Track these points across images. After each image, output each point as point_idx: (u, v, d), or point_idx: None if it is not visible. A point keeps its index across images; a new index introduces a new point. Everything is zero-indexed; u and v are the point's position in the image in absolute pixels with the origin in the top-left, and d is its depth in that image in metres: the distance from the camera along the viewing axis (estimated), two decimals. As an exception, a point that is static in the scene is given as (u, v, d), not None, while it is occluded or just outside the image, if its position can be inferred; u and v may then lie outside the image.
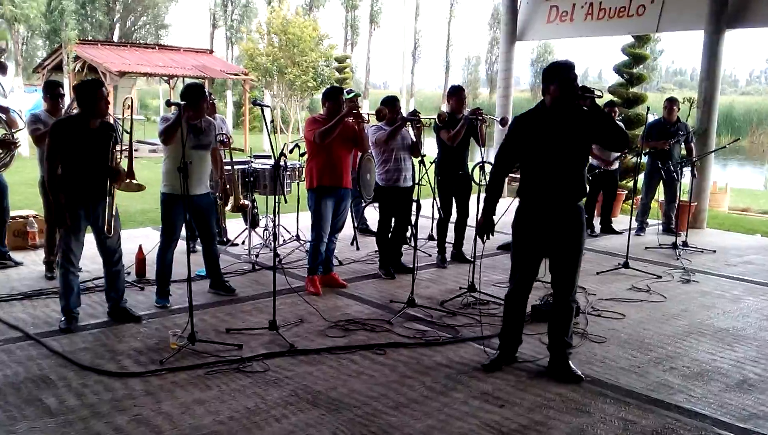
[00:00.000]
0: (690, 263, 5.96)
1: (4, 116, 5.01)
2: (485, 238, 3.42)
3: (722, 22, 7.44)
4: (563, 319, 3.40)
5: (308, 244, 5.62)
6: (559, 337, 3.40)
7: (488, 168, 5.16)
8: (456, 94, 5.56)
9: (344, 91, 6.17)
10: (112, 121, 4.03)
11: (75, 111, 4.36)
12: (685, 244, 6.59)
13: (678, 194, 7.25)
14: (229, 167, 5.37)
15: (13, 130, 5.03)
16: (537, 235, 3.32)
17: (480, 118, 5.29)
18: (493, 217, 3.40)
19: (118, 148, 3.89)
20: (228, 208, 5.17)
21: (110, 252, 3.98)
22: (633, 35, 9.48)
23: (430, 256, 5.96)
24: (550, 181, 3.26)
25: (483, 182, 5.16)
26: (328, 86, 4.98)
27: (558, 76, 3.21)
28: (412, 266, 4.63)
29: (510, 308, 3.49)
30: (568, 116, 3.24)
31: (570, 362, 3.40)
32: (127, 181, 3.92)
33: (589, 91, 3.18)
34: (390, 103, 5.16)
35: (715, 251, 6.57)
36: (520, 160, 3.37)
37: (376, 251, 5.64)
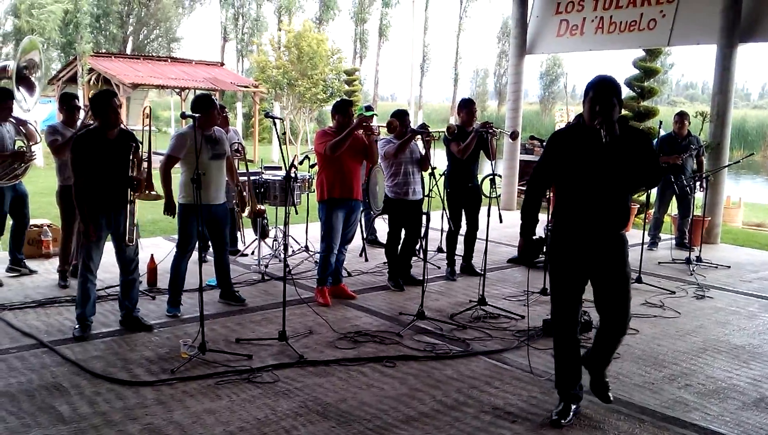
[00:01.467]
0: (704, 279, 5.90)
1: (23, 129, 5.09)
2: (532, 260, 3.27)
3: (735, 37, 7.43)
4: (615, 341, 3.06)
5: (317, 255, 5.64)
6: (607, 355, 3.10)
7: (498, 181, 5.18)
8: (466, 107, 5.59)
9: (364, 107, 6.25)
10: (128, 129, 4.09)
11: (91, 122, 4.43)
12: (698, 259, 6.52)
13: (691, 209, 7.19)
14: (245, 178, 5.43)
15: (30, 143, 5.12)
16: (574, 262, 3.01)
17: (490, 131, 5.30)
18: (533, 238, 3.13)
19: (138, 156, 3.94)
20: (245, 214, 5.23)
21: (128, 261, 4.03)
22: (644, 49, 9.49)
23: (439, 268, 5.94)
24: (585, 206, 2.95)
25: (493, 195, 5.17)
26: (339, 99, 5.05)
27: (586, 96, 2.90)
28: (421, 278, 4.62)
29: (559, 346, 3.09)
30: (626, 137, 2.86)
31: (608, 380, 3.19)
32: (146, 192, 3.96)
33: (608, 126, 2.85)
34: (399, 116, 5.19)
35: (729, 267, 6.49)
36: (555, 181, 3.11)
37: (384, 263, 5.64)
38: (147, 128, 4.11)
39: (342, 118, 4.69)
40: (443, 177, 5.52)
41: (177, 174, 4.31)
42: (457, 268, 5.79)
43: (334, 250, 4.79)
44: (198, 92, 17.78)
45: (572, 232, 3.01)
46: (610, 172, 2.89)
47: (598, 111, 2.84)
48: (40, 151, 11.01)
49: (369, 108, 6.69)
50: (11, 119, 5.01)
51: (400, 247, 5.42)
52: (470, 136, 5.34)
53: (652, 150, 2.99)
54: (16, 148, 5.02)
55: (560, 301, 3.06)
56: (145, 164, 4.07)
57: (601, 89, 2.88)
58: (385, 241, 5.50)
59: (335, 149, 4.54)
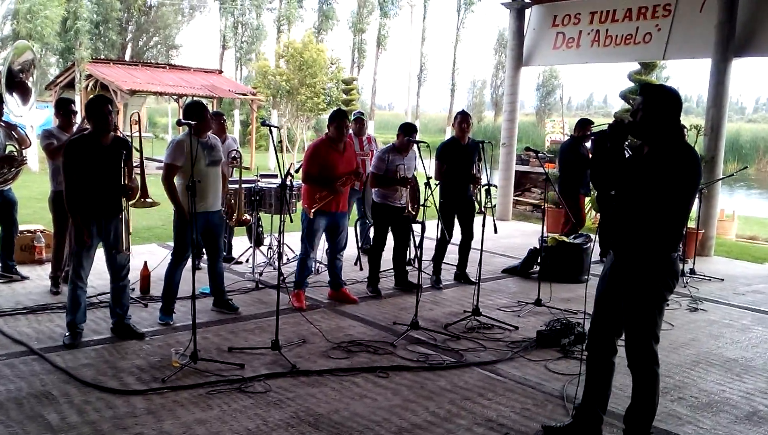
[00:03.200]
0: (698, 291, 5.90)
1: (14, 133, 5.07)
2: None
3: (729, 51, 7.50)
4: (637, 395, 2.78)
5: (315, 263, 5.65)
6: (634, 419, 2.80)
7: (493, 191, 5.23)
8: (458, 118, 5.62)
9: (354, 113, 6.42)
10: (122, 137, 4.08)
11: (87, 127, 4.43)
12: (692, 271, 6.54)
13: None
14: (236, 185, 5.42)
15: (21, 148, 5.09)
16: (604, 281, 2.88)
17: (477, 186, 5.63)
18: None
19: (130, 164, 3.93)
20: (231, 222, 5.27)
21: (119, 268, 4.01)
22: (639, 62, 9.57)
23: (433, 277, 5.93)
24: (614, 223, 2.79)
25: (488, 205, 5.18)
26: (335, 109, 5.19)
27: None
28: (417, 283, 4.63)
29: (587, 367, 2.97)
30: (661, 156, 2.62)
31: None
32: (141, 199, 3.94)
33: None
34: (408, 130, 5.20)
35: (723, 279, 6.51)
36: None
37: (381, 272, 5.62)
38: (137, 135, 4.08)
39: (337, 128, 4.81)
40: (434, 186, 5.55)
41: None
42: (451, 277, 5.80)
43: (312, 254, 4.91)
44: (189, 100, 17.87)
45: (613, 251, 2.86)
46: (633, 189, 2.69)
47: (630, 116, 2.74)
48: (35, 156, 10.99)
49: (361, 114, 6.79)
50: (1, 124, 4.99)
51: (392, 255, 5.45)
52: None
53: (669, 178, 2.59)
54: (6, 152, 5.00)
55: (592, 317, 2.96)
56: (138, 171, 4.05)
57: (639, 94, 2.75)
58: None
59: (307, 182, 4.81)
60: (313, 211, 4.78)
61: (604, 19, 8.84)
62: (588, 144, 6.72)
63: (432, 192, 4.79)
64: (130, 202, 3.93)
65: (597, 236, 7.02)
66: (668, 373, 3.90)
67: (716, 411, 3.40)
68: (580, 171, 6.59)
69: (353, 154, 5.09)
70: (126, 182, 3.86)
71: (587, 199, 8.15)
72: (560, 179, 6.97)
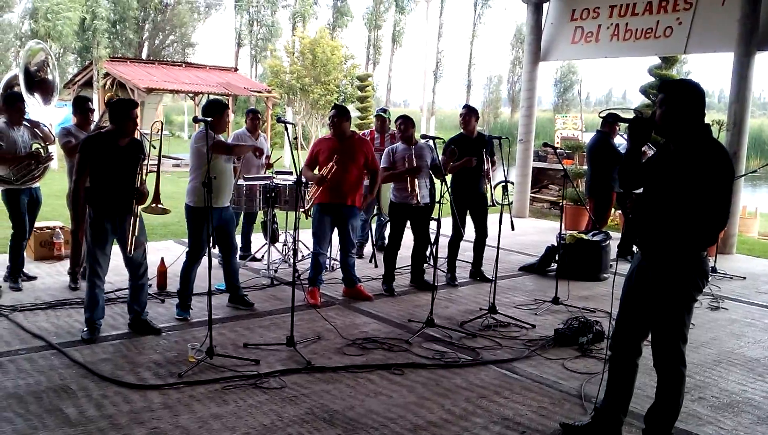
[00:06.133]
0: (719, 290, 5.78)
1: (37, 130, 5.12)
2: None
3: (752, 45, 7.32)
4: (661, 395, 2.75)
5: (329, 260, 5.65)
6: (655, 419, 2.76)
7: (510, 188, 5.17)
8: (463, 113, 5.58)
9: (378, 110, 6.62)
10: (139, 136, 4.11)
11: (105, 124, 4.46)
12: (713, 269, 6.40)
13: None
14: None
15: (46, 144, 5.15)
16: (630, 279, 2.83)
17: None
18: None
19: (145, 165, 3.94)
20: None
21: (136, 265, 4.04)
22: (660, 56, 9.39)
23: (449, 275, 5.89)
24: (650, 223, 2.69)
25: (505, 202, 5.13)
26: (334, 104, 5.24)
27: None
28: (432, 280, 4.60)
29: (610, 368, 2.91)
30: (687, 153, 2.54)
31: None
32: (153, 205, 3.94)
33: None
34: (406, 118, 5.23)
35: (744, 278, 6.37)
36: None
37: (397, 269, 5.60)
38: (159, 142, 4.04)
39: (329, 123, 4.94)
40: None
41: (183, 177, 4.31)
42: (466, 275, 5.75)
43: (321, 251, 4.92)
44: (208, 97, 18.02)
45: (639, 249, 2.81)
46: (660, 187, 2.63)
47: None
48: (55, 154, 11.13)
49: (384, 110, 6.77)
50: (25, 123, 5.04)
51: (411, 253, 5.42)
52: (457, 162, 5.31)
53: (697, 176, 2.50)
54: (33, 150, 5.04)
55: (617, 318, 2.89)
56: (152, 174, 4.05)
57: (660, 90, 2.68)
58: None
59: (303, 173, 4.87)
60: (308, 203, 4.85)
61: (624, 13, 8.68)
62: (616, 139, 6.61)
63: (449, 188, 4.75)
64: (142, 207, 3.93)
65: (621, 236, 6.92)
66: (689, 372, 3.79)
67: (738, 411, 3.33)
68: (611, 167, 6.31)
69: (358, 151, 4.87)
70: (137, 186, 3.86)
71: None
72: (590, 177, 6.78)
